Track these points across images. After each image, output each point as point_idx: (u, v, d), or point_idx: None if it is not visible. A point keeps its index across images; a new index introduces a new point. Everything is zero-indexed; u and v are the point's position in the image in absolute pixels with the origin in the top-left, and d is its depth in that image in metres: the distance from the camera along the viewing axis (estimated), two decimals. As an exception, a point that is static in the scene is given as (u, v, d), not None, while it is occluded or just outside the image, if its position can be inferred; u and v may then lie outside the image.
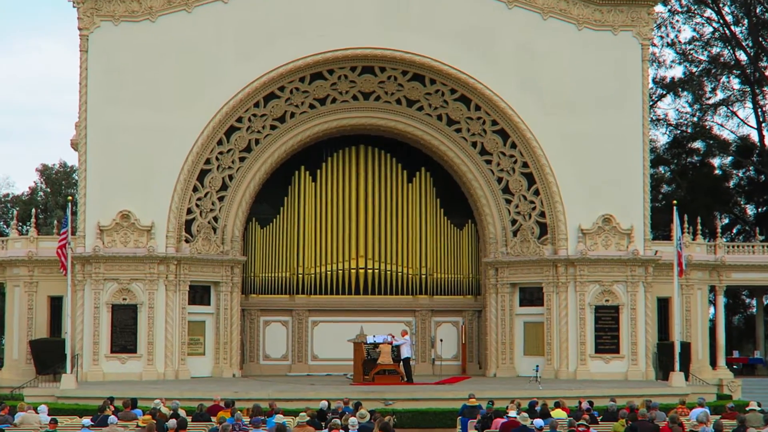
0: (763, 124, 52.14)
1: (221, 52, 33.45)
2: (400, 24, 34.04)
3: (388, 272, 37.15)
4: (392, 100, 35.36)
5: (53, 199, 57.34)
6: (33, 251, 34.93)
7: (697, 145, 54.74)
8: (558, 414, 21.67)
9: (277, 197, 37.27)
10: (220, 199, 34.94)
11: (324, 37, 33.82)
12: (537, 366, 31.75)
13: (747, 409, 21.43)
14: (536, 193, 35.29)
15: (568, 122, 34.52)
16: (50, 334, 34.98)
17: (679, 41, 52.88)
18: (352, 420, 17.64)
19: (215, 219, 34.94)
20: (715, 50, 52.68)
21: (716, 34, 52.37)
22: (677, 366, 31.71)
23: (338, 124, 36.11)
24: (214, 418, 21.26)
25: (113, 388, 28.39)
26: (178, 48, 33.40)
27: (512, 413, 19.50)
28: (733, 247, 39.47)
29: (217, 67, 33.40)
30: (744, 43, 51.92)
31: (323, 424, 19.48)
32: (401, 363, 31.28)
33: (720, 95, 53.40)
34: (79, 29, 33.62)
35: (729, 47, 52.21)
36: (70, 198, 30.73)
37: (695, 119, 53.85)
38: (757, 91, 52.17)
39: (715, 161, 55.14)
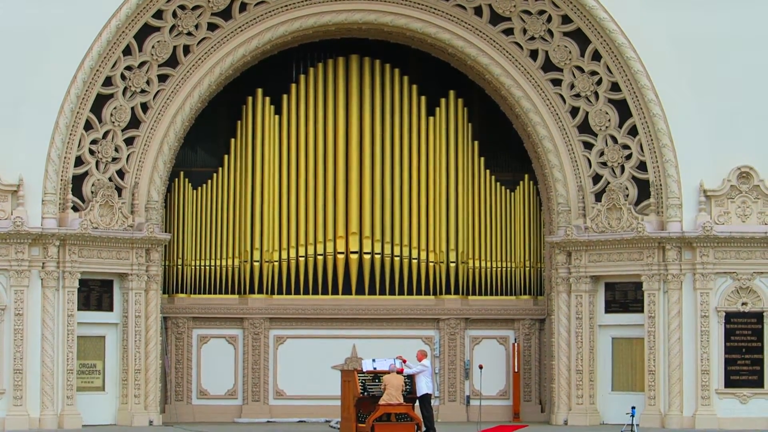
0: None
1: None
2: None
3: (397, 259, 32.37)
4: (403, -17, 32.21)
5: None
6: None
7: None
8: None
9: (220, 140, 32.60)
10: (129, 141, 30.23)
11: None
12: (633, 408, 26.88)
13: None
14: (632, 132, 30.41)
15: (682, 18, 29.91)
16: None
17: None
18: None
19: (120, 174, 30.30)
20: None
21: None
22: None
23: (317, 22, 31.22)
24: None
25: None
26: None
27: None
28: None
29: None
30: None
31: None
32: (417, 403, 26.57)
33: None
34: None
35: None
36: None
37: None
38: None
39: None
